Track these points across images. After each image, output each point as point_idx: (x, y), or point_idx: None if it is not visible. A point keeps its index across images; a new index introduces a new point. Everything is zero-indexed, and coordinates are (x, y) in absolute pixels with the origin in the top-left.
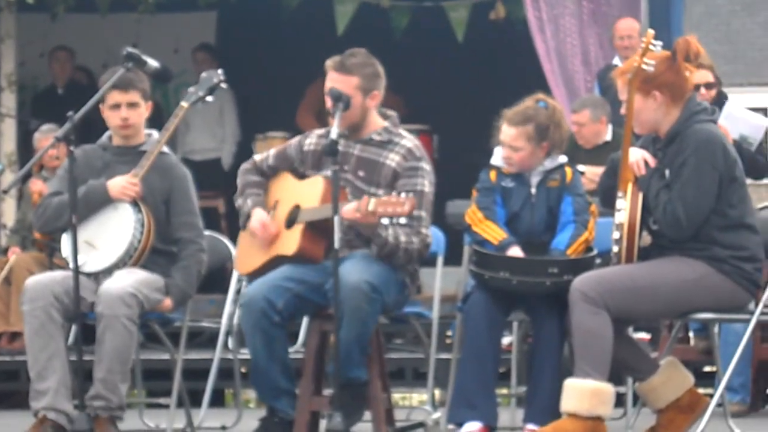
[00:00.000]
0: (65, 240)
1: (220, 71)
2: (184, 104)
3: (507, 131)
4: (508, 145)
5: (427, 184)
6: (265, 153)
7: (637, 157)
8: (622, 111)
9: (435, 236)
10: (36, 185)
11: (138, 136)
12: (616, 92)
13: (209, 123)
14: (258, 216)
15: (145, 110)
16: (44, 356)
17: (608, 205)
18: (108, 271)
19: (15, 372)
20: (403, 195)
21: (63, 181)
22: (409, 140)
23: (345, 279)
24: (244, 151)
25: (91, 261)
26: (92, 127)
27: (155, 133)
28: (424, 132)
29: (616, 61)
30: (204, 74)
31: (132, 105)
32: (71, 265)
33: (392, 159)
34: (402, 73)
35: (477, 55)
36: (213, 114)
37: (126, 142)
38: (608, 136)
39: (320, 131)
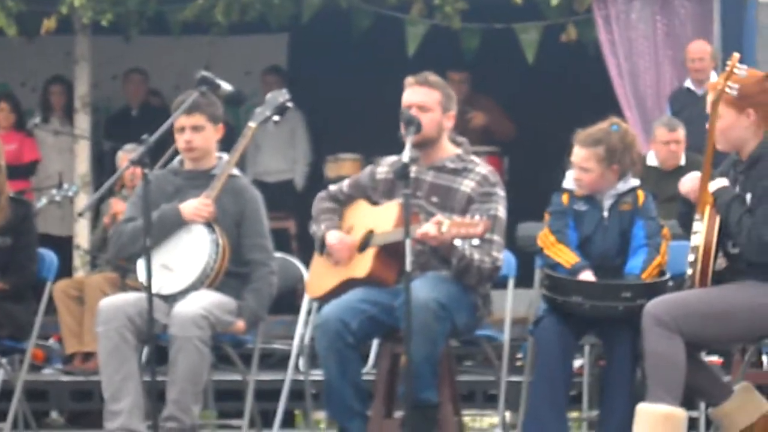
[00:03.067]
0: (141, 264)
1: (284, 91)
2: (252, 124)
3: (578, 152)
4: (579, 166)
5: (500, 209)
6: (339, 183)
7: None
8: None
9: (506, 259)
10: (118, 205)
11: (208, 160)
12: (688, 115)
13: (281, 144)
14: (334, 235)
15: (213, 133)
16: (118, 377)
17: (686, 228)
18: (184, 293)
19: (89, 392)
20: (477, 217)
21: (136, 207)
22: (483, 167)
23: (414, 297)
24: (316, 173)
25: (167, 283)
26: (166, 151)
27: (226, 156)
28: (495, 154)
29: (688, 83)
30: (269, 94)
31: (196, 128)
32: (147, 289)
33: (467, 185)
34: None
35: (548, 77)
36: (284, 135)
37: (197, 165)
38: (682, 160)
39: (391, 159)
